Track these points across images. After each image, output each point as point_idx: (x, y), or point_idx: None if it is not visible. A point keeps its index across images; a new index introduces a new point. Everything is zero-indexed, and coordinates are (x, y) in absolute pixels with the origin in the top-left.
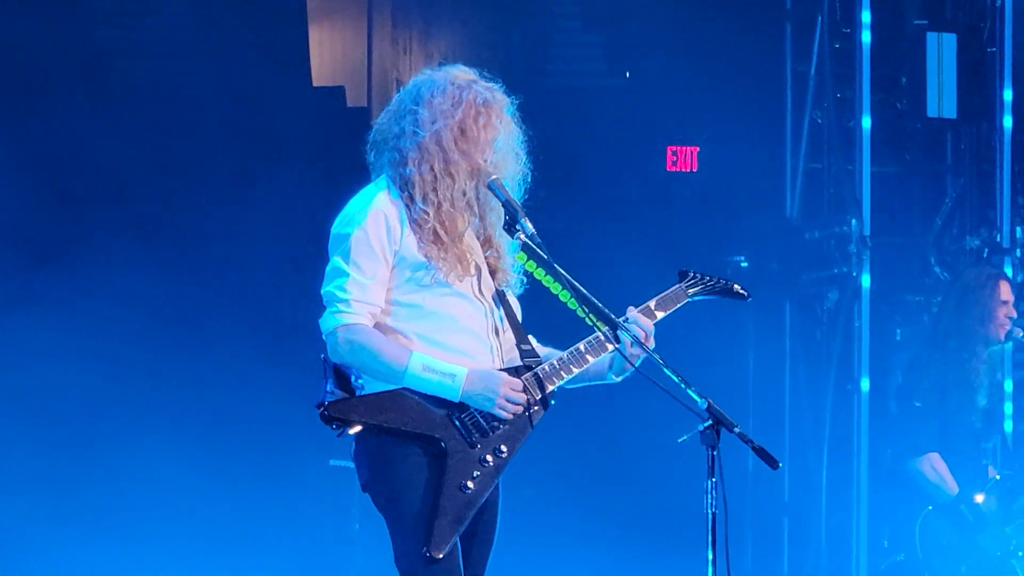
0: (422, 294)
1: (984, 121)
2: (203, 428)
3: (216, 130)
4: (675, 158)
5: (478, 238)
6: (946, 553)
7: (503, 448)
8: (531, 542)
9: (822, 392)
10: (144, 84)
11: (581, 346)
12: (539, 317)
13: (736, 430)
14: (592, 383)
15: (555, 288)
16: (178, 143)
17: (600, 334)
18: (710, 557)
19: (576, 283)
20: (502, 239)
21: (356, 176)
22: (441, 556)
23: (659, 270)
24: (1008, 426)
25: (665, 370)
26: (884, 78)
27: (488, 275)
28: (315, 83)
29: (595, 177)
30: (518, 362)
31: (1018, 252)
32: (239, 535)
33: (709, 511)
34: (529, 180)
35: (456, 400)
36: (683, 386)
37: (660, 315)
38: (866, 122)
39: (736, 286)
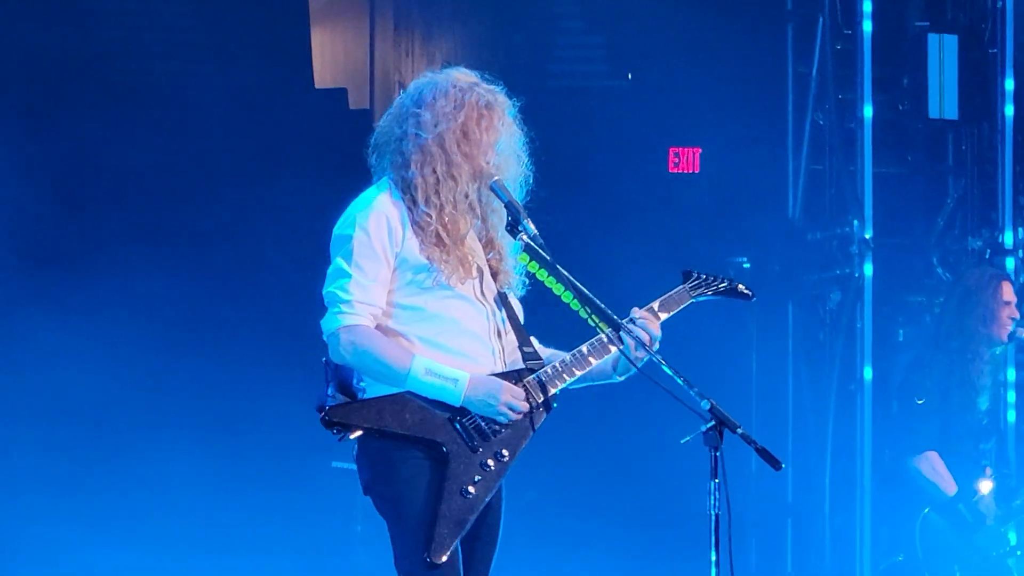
0: (424, 297)
1: (985, 122)
2: (206, 430)
3: (218, 132)
4: (677, 160)
5: (480, 240)
6: (945, 553)
7: (505, 452)
8: (534, 544)
9: (825, 392)
10: (146, 87)
11: (584, 348)
12: (542, 318)
13: (739, 431)
14: (596, 382)
15: (557, 289)
16: (180, 145)
17: (603, 336)
18: (713, 558)
19: (579, 284)
20: (504, 240)
21: (358, 178)
22: (441, 561)
23: (661, 271)
24: (1011, 415)
25: (668, 371)
26: (885, 79)
27: (490, 277)
28: (317, 85)
29: (597, 178)
30: (520, 364)
31: (1020, 253)
32: (242, 536)
33: (712, 512)
34: (531, 182)
35: (457, 405)
36: (686, 387)
37: (664, 316)
38: (867, 123)
39: (740, 286)
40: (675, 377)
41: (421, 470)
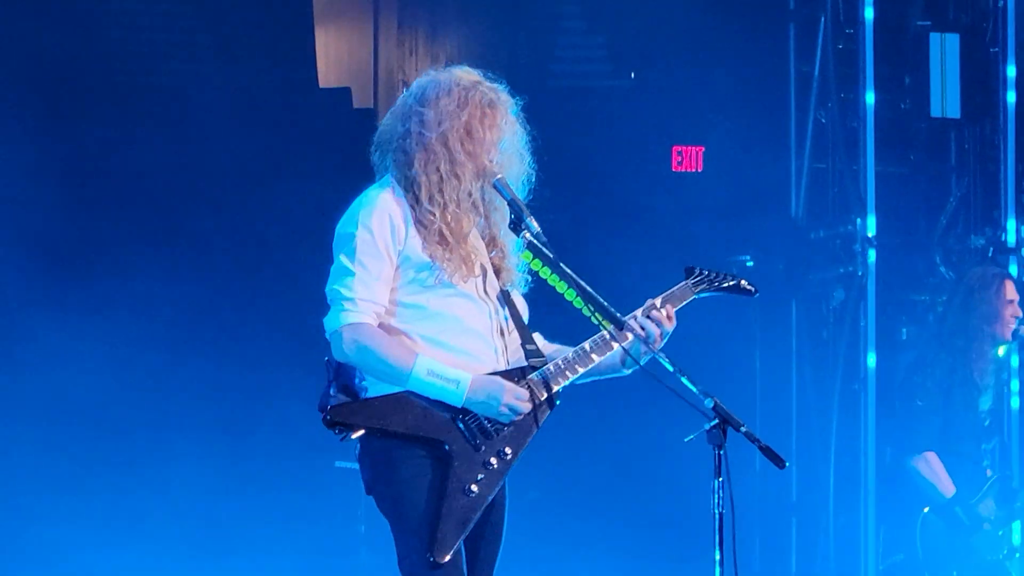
0: (426, 295)
1: (988, 121)
2: (208, 430)
3: (221, 132)
4: (680, 158)
5: (483, 238)
6: (944, 554)
7: (507, 450)
8: (538, 543)
9: (828, 391)
10: (149, 87)
11: (586, 345)
12: (545, 315)
13: (743, 429)
14: (604, 376)
15: (561, 287)
16: (183, 146)
17: (605, 333)
18: (717, 557)
19: (581, 282)
20: (507, 238)
21: (362, 177)
22: (445, 560)
23: (664, 269)
24: (1015, 402)
25: (671, 369)
26: (887, 78)
27: (493, 275)
28: (321, 85)
29: (600, 177)
30: (523, 362)
31: (1023, 251)
32: (245, 537)
33: (716, 511)
34: (534, 180)
35: (459, 406)
36: (689, 385)
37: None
38: (870, 122)
39: (743, 282)
40: (679, 375)
41: (423, 469)
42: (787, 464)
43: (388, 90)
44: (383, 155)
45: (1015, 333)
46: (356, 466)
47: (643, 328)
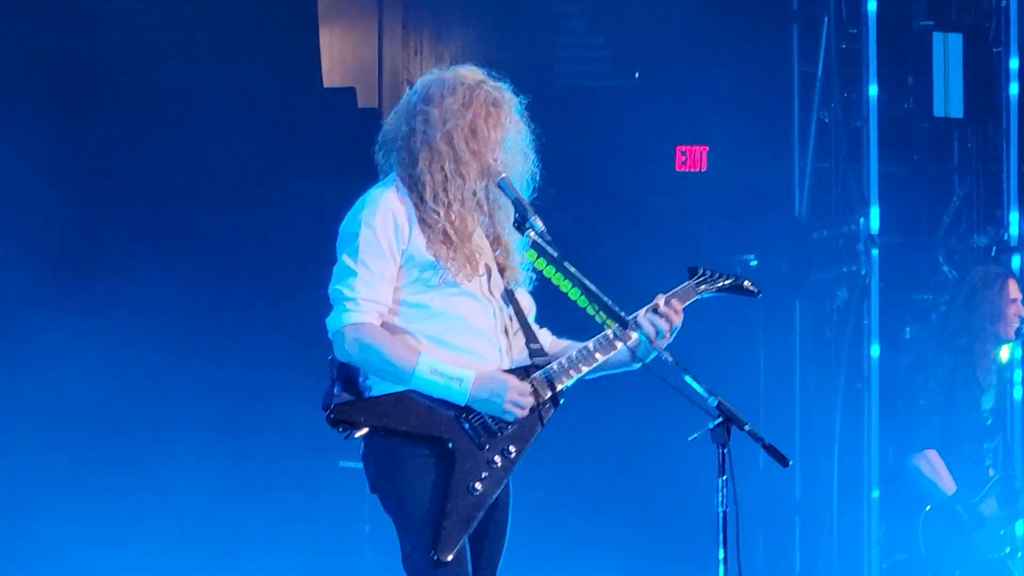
0: (430, 294)
1: (991, 120)
2: (211, 430)
3: (225, 132)
4: (684, 158)
5: (487, 237)
6: (946, 553)
7: (511, 449)
8: (541, 542)
9: (832, 390)
10: (152, 87)
11: (590, 345)
12: (553, 312)
13: (746, 428)
14: (615, 371)
15: (565, 286)
16: (186, 146)
17: (609, 332)
18: (721, 556)
19: (586, 280)
20: (511, 237)
21: (366, 177)
22: (449, 559)
23: (668, 268)
24: (1017, 393)
25: (676, 367)
26: (890, 78)
27: (497, 274)
28: (325, 84)
29: (604, 176)
30: (527, 361)
31: None
32: (248, 537)
33: (720, 509)
34: (538, 179)
35: (462, 404)
36: (694, 384)
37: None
38: (873, 122)
39: (746, 282)
40: (683, 374)
41: (427, 468)
42: (791, 463)
43: (392, 90)
44: (387, 154)
45: (1018, 332)
46: (360, 466)
47: (652, 324)
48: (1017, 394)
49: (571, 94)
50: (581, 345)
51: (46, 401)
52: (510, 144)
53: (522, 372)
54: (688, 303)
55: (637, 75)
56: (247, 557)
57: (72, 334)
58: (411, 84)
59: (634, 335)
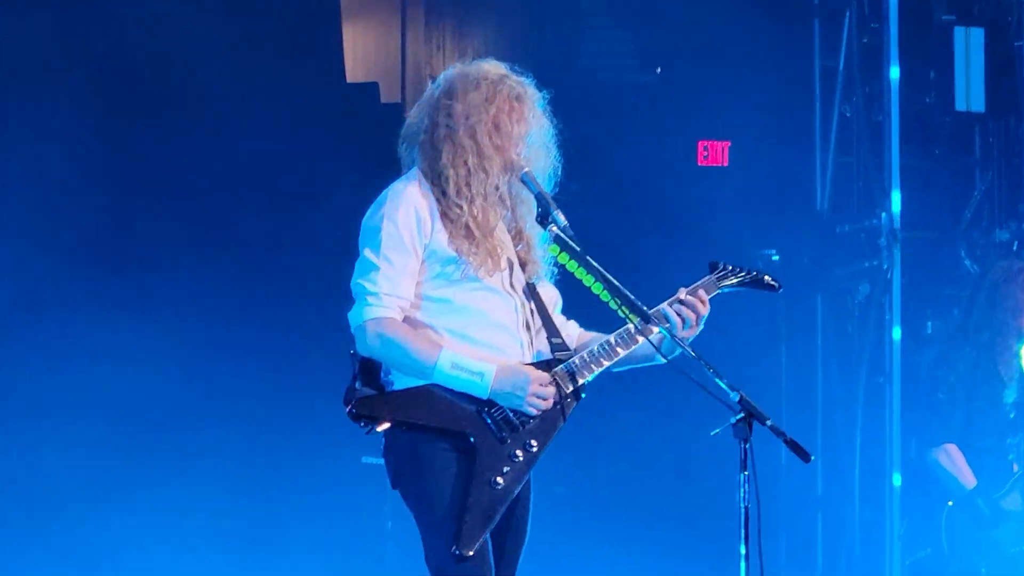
0: (452, 289)
1: (1012, 115)
2: (238, 427)
3: (249, 128)
4: (706, 153)
5: (509, 231)
6: (969, 548)
7: (533, 443)
8: (562, 537)
9: (854, 385)
10: (178, 85)
11: (612, 339)
12: (581, 305)
13: (768, 423)
14: (640, 365)
15: (587, 280)
16: (212, 143)
17: (631, 326)
18: (743, 551)
19: (608, 275)
20: (533, 232)
21: (389, 171)
22: (471, 553)
23: (690, 263)
24: None
25: (698, 362)
26: (912, 72)
27: (519, 269)
28: (349, 80)
29: (626, 172)
30: (549, 355)
31: None
32: (271, 532)
33: (742, 505)
34: (560, 174)
35: (484, 398)
36: (715, 379)
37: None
38: (894, 116)
39: (767, 277)
40: (705, 369)
41: (449, 462)
42: (812, 458)
43: (415, 85)
44: (410, 148)
45: None
46: (382, 462)
47: (677, 314)
48: None
49: (593, 89)
50: (604, 339)
51: (80, 397)
52: (533, 139)
53: (544, 366)
54: (709, 297)
55: (659, 70)
56: (269, 552)
57: (106, 332)
58: (434, 79)
59: (655, 329)
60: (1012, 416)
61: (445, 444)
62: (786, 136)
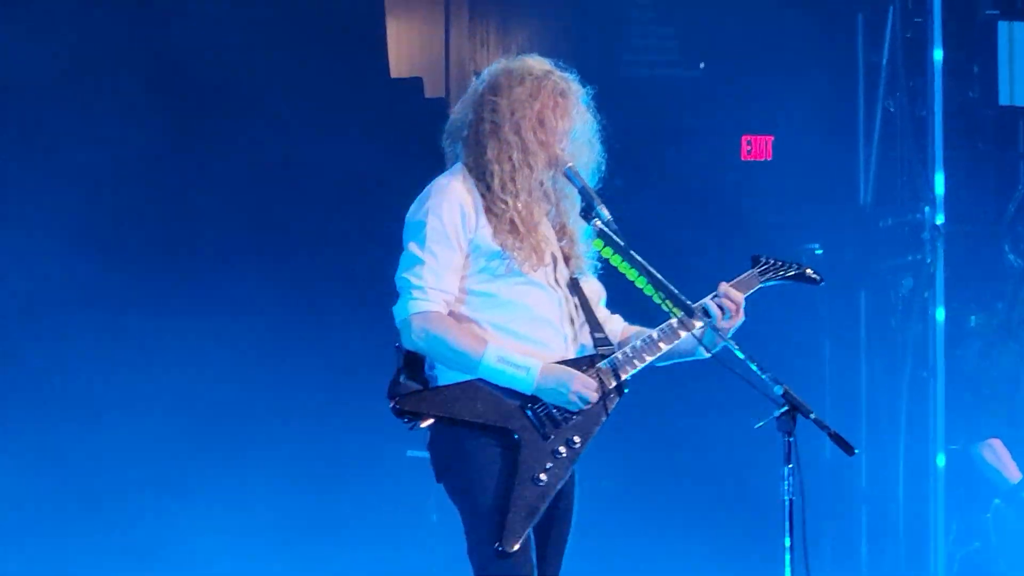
0: (496, 283)
1: None
2: (284, 421)
3: (294, 125)
4: (750, 147)
5: (553, 226)
6: (1018, 543)
7: (576, 439)
8: (606, 532)
9: (898, 379)
10: (225, 85)
11: (654, 334)
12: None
13: (812, 416)
14: (683, 360)
15: (631, 274)
16: (257, 141)
17: (674, 321)
18: (787, 545)
19: (652, 269)
20: (576, 226)
21: (432, 165)
22: (514, 549)
23: (734, 257)
24: None
25: (741, 356)
26: (956, 67)
27: (563, 263)
28: (392, 75)
29: (670, 166)
30: (592, 350)
31: None
32: (318, 525)
33: (786, 498)
34: (603, 169)
35: (529, 393)
36: (759, 372)
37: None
38: (938, 110)
39: (808, 270)
40: (748, 362)
41: (492, 459)
42: (856, 451)
43: (459, 80)
44: (453, 143)
45: None
46: (427, 455)
47: (718, 306)
48: None
49: (637, 84)
50: (647, 333)
51: (140, 394)
52: (577, 134)
53: (587, 361)
54: (751, 291)
55: (702, 65)
56: (316, 544)
57: (162, 330)
58: (478, 74)
59: (698, 324)
60: None
61: (489, 440)
62: (830, 130)
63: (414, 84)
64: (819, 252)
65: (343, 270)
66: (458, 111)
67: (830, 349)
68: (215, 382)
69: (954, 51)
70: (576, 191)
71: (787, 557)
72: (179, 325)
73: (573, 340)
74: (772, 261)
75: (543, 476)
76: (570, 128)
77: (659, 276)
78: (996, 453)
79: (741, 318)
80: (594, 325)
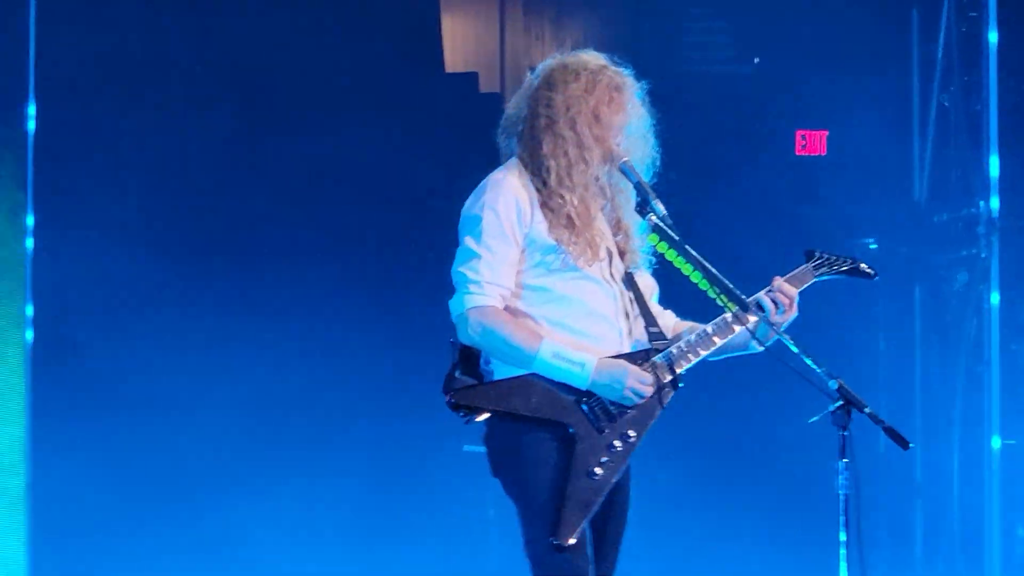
0: (552, 278)
1: None
2: (344, 418)
3: (351, 119)
4: (804, 142)
5: (608, 221)
6: None
7: (631, 433)
8: (662, 526)
9: (953, 373)
10: (282, 82)
11: (708, 328)
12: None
13: (867, 410)
14: (736, 353)
15: (686, 269)
16: (314, 134)
17: (728, 315)
18: (843, 539)
19: (707, 264)
20: (631, 221)
21: (488, 160)
22: (569, 543)
23: (788, 252)
24: None
25: (796, 350)
26: (1011, 61)
27: (618, 258)
28: (448, 70)
29: (725, 161)
30: (646, 344)
31: None
32: (376, 522)
33: (841, 492)
34: (658, 164)
35: (584, 388)
36: (814, 367)
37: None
38: (993, 105)
39: (863, 265)
40: (803, 356)
41: (548, 452)
42: (911, 445)
43: (514, 75)
44: (509, 138)
45: None
46: (483, 450)
47: (772, 301)
48: None
49: (691, 79)
50: (700, 328)
51: (211, 393)
52: (632, 129)
53: (642, 355)
54: (805, 286)
55: (757, 60)
56: (375, 539)
57: (232, 329)
58: (533, 69)
59: (753, 318)
60: None
61: (544, 434)
62: (884, 125)
63: (469, 79)
64: (873, 247)
65: (401, 266)
66: (513, 106)
67: (884, 344)
68: (278, 382)
69: (1009, 45)
70: (631, 186)
71: (842, 552)
72: (246, 325)
73: (628, 335)
74: (826, 256)
75: (598, 470)
76: (625, 123)
77: (713, 271)
78: None
79: (795, 313)
80: (649, 320)
